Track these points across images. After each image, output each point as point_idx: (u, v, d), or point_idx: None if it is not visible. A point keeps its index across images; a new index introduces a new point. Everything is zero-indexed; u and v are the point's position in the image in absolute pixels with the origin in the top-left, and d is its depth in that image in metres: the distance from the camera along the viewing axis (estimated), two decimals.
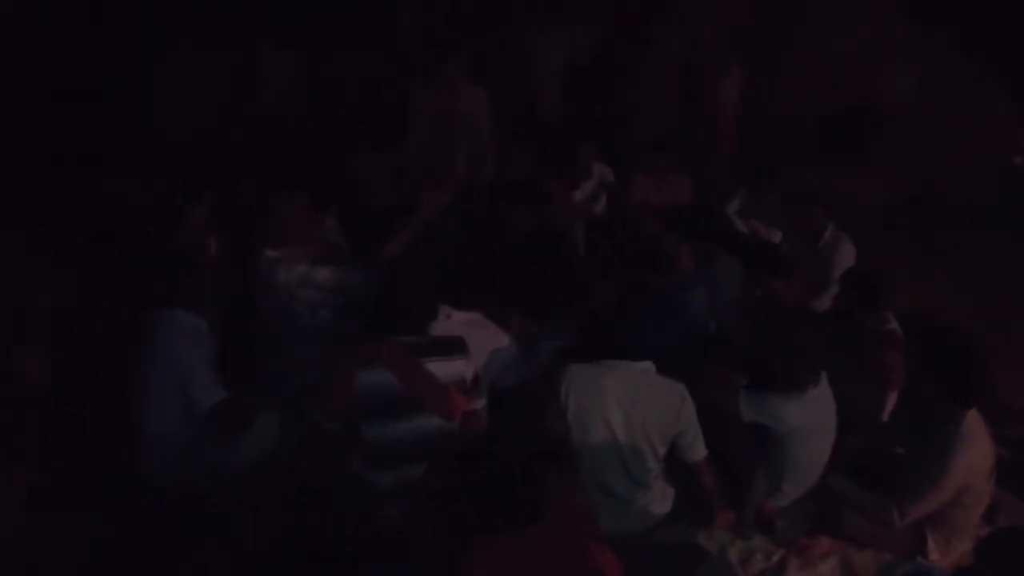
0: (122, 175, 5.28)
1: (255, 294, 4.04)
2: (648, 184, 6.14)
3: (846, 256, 4.90)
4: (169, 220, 4.23)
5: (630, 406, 3.04)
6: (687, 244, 4.31)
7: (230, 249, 4.20)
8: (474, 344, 3.43)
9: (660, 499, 3.25)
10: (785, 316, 3.64)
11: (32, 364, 3.38)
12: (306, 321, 3.92)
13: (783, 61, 7.93)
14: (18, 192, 5.01)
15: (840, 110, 7.85)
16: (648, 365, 3.15)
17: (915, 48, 7.93)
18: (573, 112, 7.51)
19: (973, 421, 3.17)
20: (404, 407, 2.99)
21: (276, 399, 3.52)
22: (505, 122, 6.84)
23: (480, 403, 3.27)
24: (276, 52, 6.64)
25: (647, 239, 4.72)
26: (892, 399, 3.97)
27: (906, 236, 6.75)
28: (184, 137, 5.95)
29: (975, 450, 3.16)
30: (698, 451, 3.16)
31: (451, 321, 3.49)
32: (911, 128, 7.81)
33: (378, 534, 3.00)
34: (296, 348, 3.87)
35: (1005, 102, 7.72)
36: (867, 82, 7.92)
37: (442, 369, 3.06)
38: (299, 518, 3.11)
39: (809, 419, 3.32)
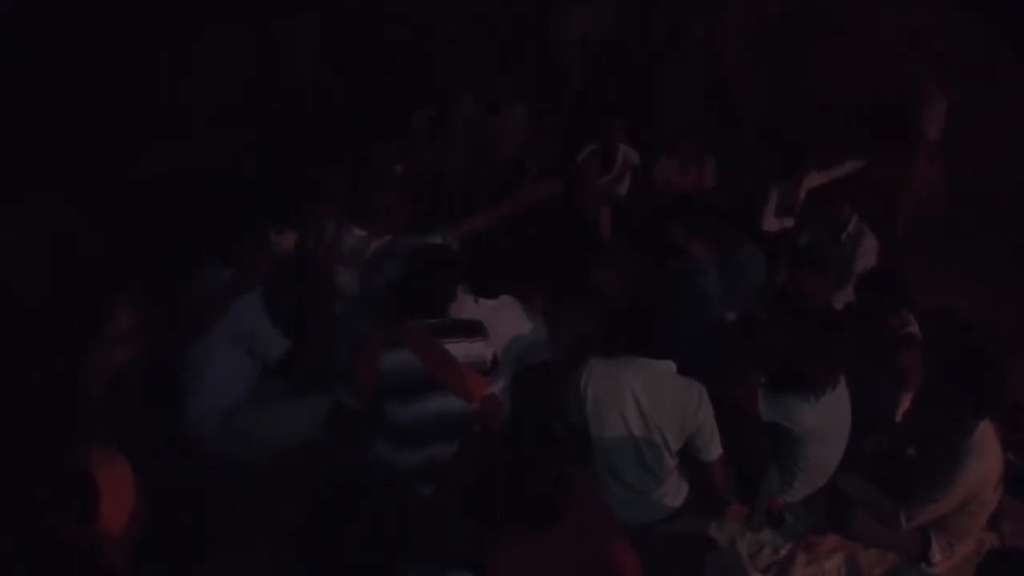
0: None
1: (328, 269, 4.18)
2: (673, 167, 6.14)
3: (869, 250, 4.89)
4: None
5: (647, 403, 3.07)
6: (699, 233, 4.32)
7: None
8: (500, 326, 3.50)
9: (674, 492, 3.28)
10: (807, 317, 3.66)
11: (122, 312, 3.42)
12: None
13: (819, 47, 7.83)
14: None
15: (876, 98, 7.77)
16: (669, 364, 3.18)
17: (945, 37, 7.82)
18: (602, 91, 7.51)
19: (985, 431, 3.19)
20: (426, 387, 3.03)
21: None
22: (533, 99, 6.91)
23: (499, 385, 3.34)
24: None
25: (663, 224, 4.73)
26: (907, 400, 3.99)
27: (932, 230, 6.71)
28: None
29: (985, 460, 3.18)
30: (713, 451, 3.19)
31: (479, 306, 3.53)
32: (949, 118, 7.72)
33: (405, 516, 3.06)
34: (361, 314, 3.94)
35: None
36: (898, 73, 7.83)
37: (463, 351, 3.09)
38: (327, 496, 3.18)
39: (825, 421, 3.35)
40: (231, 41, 6.72)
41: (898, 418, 4.00)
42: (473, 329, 3.18)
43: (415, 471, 3.07)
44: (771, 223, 5.83)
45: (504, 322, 3.57)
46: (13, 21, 5.59)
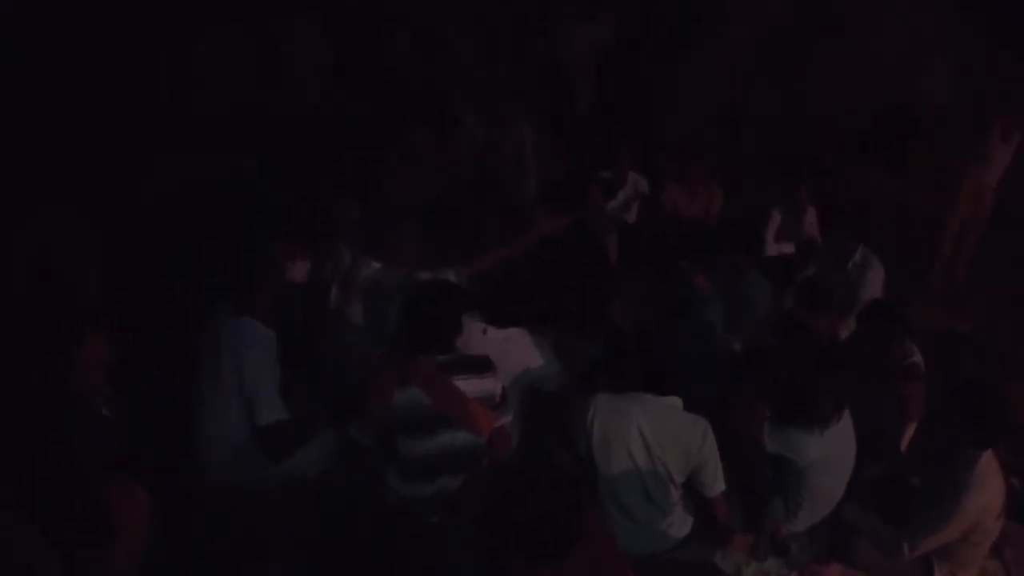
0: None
1: (341, 302, 4.22)
2: (680, 194, 6.21)
3: (875, 279, 4.90)
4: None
5: (653, 438, 3.13)
6: (706, 264, 4.38)
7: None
8: (509, 358, 3.56)
9: (679, 523, 3.33)
10: (813, 351, 3.71)
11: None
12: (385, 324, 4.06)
13: (822, 63, 7.88)
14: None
15: (881, 115, 7.80)
16: (675, 400, 3.24)
17: (959, 49, 7.84)
18: (611, 114, 7.57)
19: (988, 460, 3.23)
20: (435, 423, 3.09)
21: (323, 415, 3.64)
22: (543, 120, 6.97)
23: (508, 419, 3.37)
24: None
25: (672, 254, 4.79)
26: (910, 429, 4.04)
27: (941, 243, 6.73)
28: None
29: (988, 490, 3.22)
30: (717, 487, 3.23)
31: (487, 337, 3.60)
32: (953, 132, 7.73)
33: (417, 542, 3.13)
34: (371, 348, 4.02)
35: None
36: (909, 85, 7.85)
37: (471, 387, 3.15)
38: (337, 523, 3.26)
39: (829, 453, 3.39)
40: (234, 48, 6.77)
41: (901, 447, 4.04)
42: (482, 365, 3.23)
43: (424, 502, 3.14)
44: (771, 247, 5.89)
45: (513, 354, 3.61)
46: (13, 21, 5.67)
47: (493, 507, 2.29)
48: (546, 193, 6.47)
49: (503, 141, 6.70)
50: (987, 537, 3.36)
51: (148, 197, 5.43)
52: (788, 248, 5.87)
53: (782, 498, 3.54)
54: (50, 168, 5.10)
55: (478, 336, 3.59)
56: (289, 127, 6.49)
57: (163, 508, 2.70)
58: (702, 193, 6.22)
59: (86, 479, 2.51)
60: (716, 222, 6.18)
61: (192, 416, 3.47)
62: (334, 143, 6.38)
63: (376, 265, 4.18)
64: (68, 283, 4.22)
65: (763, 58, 7.91)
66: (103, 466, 2.90)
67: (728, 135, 7.58)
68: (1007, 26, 7.31)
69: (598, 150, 6.74)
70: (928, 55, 7.84)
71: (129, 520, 2.41)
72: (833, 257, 5.12)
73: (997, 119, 6.26)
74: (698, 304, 4.34)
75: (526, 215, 5.61)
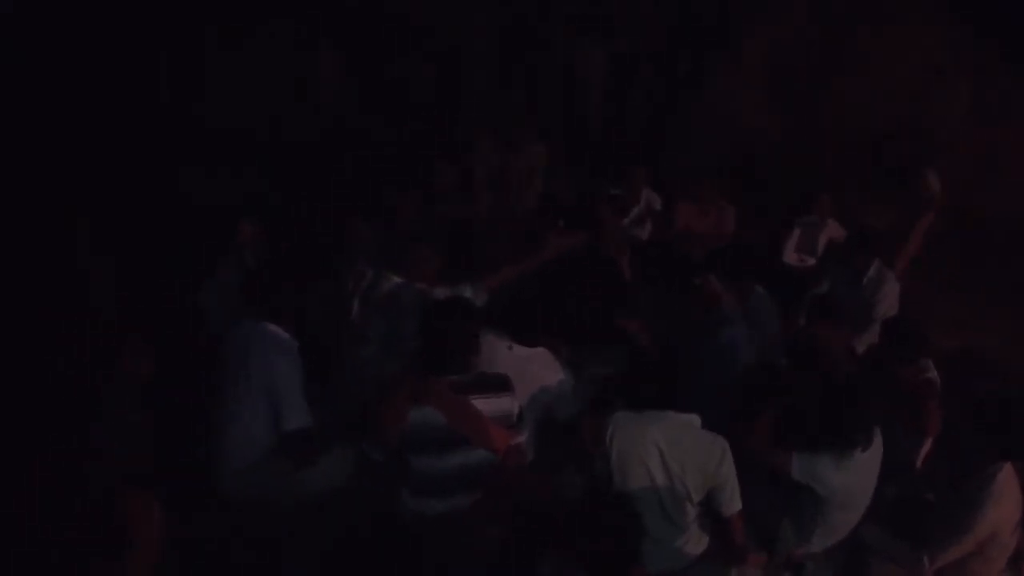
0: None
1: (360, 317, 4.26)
2: (693, 212, 6.24)
3: (890, 294, 4.93)
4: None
5: (671, 457, 3.14)
6: (728, 282, 4.38)
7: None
8: (530, 375, 3.59)
9: (695, 541, 3.33)
10: (832, 373, 3.71)
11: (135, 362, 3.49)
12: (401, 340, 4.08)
13: (831, 85, 7.91)
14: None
15: (890, 136, 7.82)
16: (693, 418, 3.25)
17: (968, 70, 7.87)
18: (623, 135, 7.63)
19: (1007, 474, 3.25)
20: (451, 442, 3.11)
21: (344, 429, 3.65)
22: (556, 141, 7.02)
23: (523, 437, 3.39)
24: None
25: (688, 271, 4.78)
26: (927, 446, 4.04)
27: (953, 264, 6.74)
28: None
29: (1006, 503, 3.24)
30: (734, 506, 3.24)
31: (513, 353, 3.62)
32: (963, 152, 7.75)
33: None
34: (386, 364, 4.04)
35: None
36: (921, 107, 7.87)
37: (488, 406, 3.17)
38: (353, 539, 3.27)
39: (852, 483, 3.38)
40: (250, 70, 6.85)
41: (918, 464, 4.04)
42: (500, 384, 3.25)
43: (437, 519, 3.16)
44: (791, 257, 5.91)
45: (534, 371, 3.64)
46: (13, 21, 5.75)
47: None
48: (557, 211, 6.48)
49: (515, 161, 6.76)
50: (1004, 552, 3.36)
51: (171, 210, 5.48)
52: (810, 261, 5.89)
53: (795, 523, 3.52)
54: (62, 177, 5.17)
55: (503, 353, 3.62)
56: (304, 148, 6.57)
57: (179, 519, 2.72)
58: (714, 211, 6.26)
59: (102, 489, 2.54)
60: (730, 240, 6.21)
61: (211, 425, 3.48)
62: (349, 164, 6.44)
63: (396, 280, 4.21)
64: (99, 295, 4.27)
65: (777, 82, 7.95)
66: (124, 476, 2.95)
67: (742, 157, 7.60)
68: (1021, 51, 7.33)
69: (611, 168, 6.79)
70: (942, 80, 7.85)
71: (143, 531, 2.44)
72: (849, 273, 5.13)
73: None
74: (723, 325, 4.32)
75: (534, 231, 5.65)
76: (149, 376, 3.49)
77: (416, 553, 3.12)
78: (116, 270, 4.59)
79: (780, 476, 3.38)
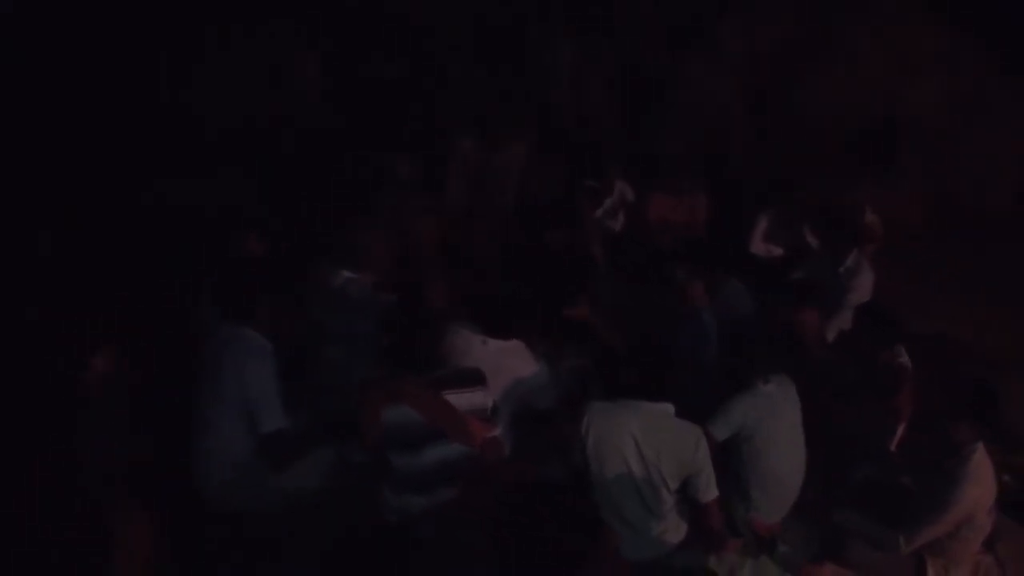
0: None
1: (320, 312, 4.20)
2: (667, 203, 6.25)
3: (864, 284, 4.95)
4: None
5: (646, 445, 3.15)
6: (699, 272, 4.40)
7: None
8: (505, 370, 3.59)
9: (674, 528, 3.35)
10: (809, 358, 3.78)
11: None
12: (365, 338, 4.05)
13: (810, 73, 7.94)
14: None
15: (869, 123, 7.86)
16: (667, 407, 3.25)
17: (943, 59, 7.92)
18: (600, 127, 7.63)
19: (980, 456, 3.29)
20: (428, 437, 3.12)
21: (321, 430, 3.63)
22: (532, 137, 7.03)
23: (499, 430, 3.41)
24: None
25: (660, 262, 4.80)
26: (900, 430, 4.07)
27: (930, 252, 6.80)
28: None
29: (981, 485, 3.28)
30: (710, 493, 3.25)
31: (487, 347, 3.61)
32: (938, 141, 7.81)
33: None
34: (354, 363, 3.98)
35: None
36: (895, 94, 7.92)
37: (462, 400, 3.19)
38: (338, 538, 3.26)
39: (771, 424, 3.54)
40: (225, 69, 6.80)
41: (892, 447, 4.08)
42: (473, 378, 3.26)
43: (420, 515, 3.16)
44: (758, 247, 5.93)
45: (508, 365, 3.64)
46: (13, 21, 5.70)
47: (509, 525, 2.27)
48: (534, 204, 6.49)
49: (494, 159, 6.76)
50: (979, 532, 3.40)
51: (150, 211, 5.44)
52: (777, 251, 5.91)
53: (734, 487, 3.62)
54: (51, 177, 5.12)
55: (478, 347, 3.61)
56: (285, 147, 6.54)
57: (167, 523, 2.70)
58: (687, 201, 6.27)
59: (90, 491, 2.52)
60: (703, 230, 6.23)
61: (191, 431, 3.44)
62: (325, 163, 6.41)
63: (347, 274, 4.17)
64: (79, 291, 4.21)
65: (755, 73, 7.98)
66: (111, 481, 2.93)
67: (720, 148, 7.63)
68: (996, 42, 7.40)
69: (586, 160, 6.79)
70: (918, 70, 7.91)
71: (132, 534, 2.42)
72: (827, 260, 5.17)
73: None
74: (693, 311, 4.34)
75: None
76: (133, 381, 3.45)
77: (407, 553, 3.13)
78: (102, 274, 4.53)
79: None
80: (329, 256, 4.40)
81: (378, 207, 5.43)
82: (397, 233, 5.03)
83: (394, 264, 4.41)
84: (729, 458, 3.58)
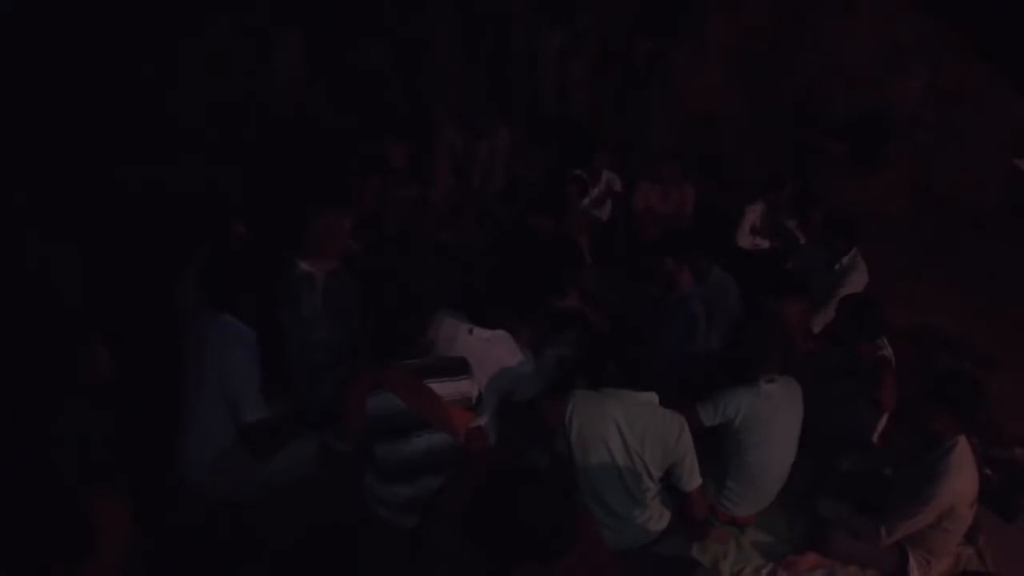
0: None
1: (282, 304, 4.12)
2: (654, 193, 6.25)
3: (857, 282, 4.94)
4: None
5: (630, 433, 3.16)
6: (687, 263, 4.40)
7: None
8: (490, 359, 3.59)
9: (657, 517, 3.37)
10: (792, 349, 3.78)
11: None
12: (325, 332, 4.01)
13: (795, 69, 7.96)
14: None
15: (855, 118, 7.88)
16: (651, 396, 3.26)
17: (926, 54, 7.95)
18: (587, 116, 7.63)
19: (963, 448, 3.30)
20: (412, 426, 3.10)
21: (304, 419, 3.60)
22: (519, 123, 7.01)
23: (484, 418, 3.40)
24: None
25: (648, 252, 4.79)
26: (883, 422, 4.09)
27: (914, 243, 6.84)
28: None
29: (962, 477, 3.29)
30: (693, 481, 3.27)
31: (473, 336, 3.60)
32: (922, 134, 7.85)
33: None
34: (318, 357, 3.98)
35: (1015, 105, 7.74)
36: (880, 90, 7.95)
37: (446, 389, 3.16)
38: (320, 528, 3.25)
39: (755, 418, 3.53)
40: (209, 56, 6.74)
41: (874, 439, 4.10)
42: (457, 367, 3.24)
43: (405, 504, 3.15)
44: (745, 240, 5.94)
45: (495, 353, 3.63)
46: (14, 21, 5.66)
47: (481, 511, 2.24)
48: (521, 193, 6.48)
49: (480, 146, 6.74)
50: (961, 524, 3.43)
51: (129, 201, 5.39)
52: (764, 244, 5.92)
53: (712, 474, 3.61)
54: (31, 169, 5.07)
55: (464, 336, 3.60)
56: (266, 134, 6.49)
57: (146, 518, 2.68)
58: (674, 192, 6.27)
59: (65, 486, 2.49)
60: (690, 221, 6.23)
61: (176, 421, 3.41)
62: (309, 151, 6.36)
63: (304, 266, 4.11)
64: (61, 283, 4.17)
65: (739, 64, 7.99)
66: (88, 474, 2.90)
67: (705, 138, 7.64)
68: (977, 34, 7.42)
69: (573, 150, 6.78)
70: (901, 61, 7.93)
71: (109, 531, 2.40)
72: (822, 255, 5.17)
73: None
74: (682, 304, 4.34)
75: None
76: (111, 372, 3.41)
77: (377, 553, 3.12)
78: (83, 264, 4.48)
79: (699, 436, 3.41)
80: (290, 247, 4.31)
81: (352, 193, 5.37)
82: (366, 219, 4.97)
83: (363, 251, 4.33)
84: (715, 443, 3.59)
